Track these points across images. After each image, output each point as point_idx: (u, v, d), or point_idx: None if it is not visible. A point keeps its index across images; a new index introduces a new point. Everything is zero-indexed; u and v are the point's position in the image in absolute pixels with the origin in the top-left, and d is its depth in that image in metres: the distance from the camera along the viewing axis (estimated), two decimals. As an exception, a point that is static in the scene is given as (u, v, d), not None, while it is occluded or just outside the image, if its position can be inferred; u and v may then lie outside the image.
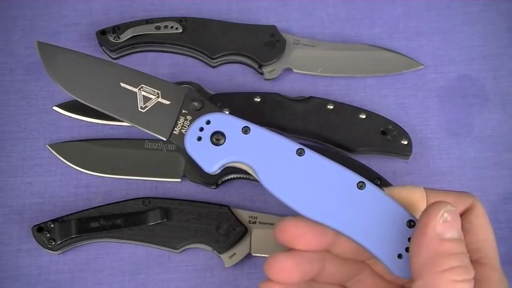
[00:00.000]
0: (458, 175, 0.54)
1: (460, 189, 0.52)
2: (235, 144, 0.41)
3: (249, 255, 0.50)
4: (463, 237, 0.37)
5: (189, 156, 0.42)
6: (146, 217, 0.50)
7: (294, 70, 0.57)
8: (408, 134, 0.53)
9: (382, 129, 0.53)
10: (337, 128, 0.53)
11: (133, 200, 0.51)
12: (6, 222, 0.52)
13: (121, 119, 0.44)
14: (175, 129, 0.43)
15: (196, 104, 0.43)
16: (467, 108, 0.56)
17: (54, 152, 0.54)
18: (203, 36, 0.57)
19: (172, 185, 0.53)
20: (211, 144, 0.42)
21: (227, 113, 0.43)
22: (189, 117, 0.43)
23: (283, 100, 0.54)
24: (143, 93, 0.44)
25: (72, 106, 0.55)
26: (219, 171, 0.42)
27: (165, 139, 0.43)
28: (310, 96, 0.55)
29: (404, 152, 0.53)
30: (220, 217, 0.50)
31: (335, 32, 0.59)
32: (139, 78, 0.45)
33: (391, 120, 0.54)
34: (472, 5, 0.60)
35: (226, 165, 0.42)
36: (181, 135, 0.43)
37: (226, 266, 0.49)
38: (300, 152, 0.41)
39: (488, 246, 0.39)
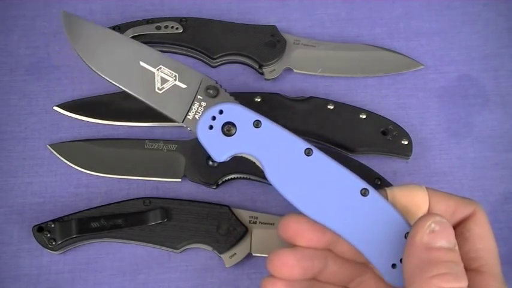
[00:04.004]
0: (458, 175, 0.54)
1: (460, 190, 0.53)
2: (245, 136, 0.42)
3: (249, 255, 0.50)
4: (456, 246, 0.37)
5: (198, 143, 0.43)
6: (147, 217, 0.50)
7: (294, 70, 0.57)
8: (408, 134, 0.53)
9: (382, 129, 0.53)
10: (337, 128, 0.53)
11: (134, 200, 0.51)
12: (6, 222, 0.52)
13: (137, 96, 0.45)
14: (189, 114, 0.44)
15: (211, 91, 0.44)
16: (468, 108, 0.56)
17: (54, 152, 0.54)
18: (203, 36, 0.57)
19: (172, 185, 0.53)
20: (222, 134, 0.42)
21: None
22: (203, 104, 0.44)
23: (284, 100, 0.54)
24: (161, 74, 0.44)
25: (73, 106, 0.55)
26: (228, 160, 0.43)
27: (179, 122, 0.44)
28: (311, 96, 0.55)
29: (405, 152, 0.53)
30: (220, 217, 0.50)
31: (335, 32, 0.59)
32: (159, 58, 0.45)
33: (391, 120, 0.54)
34: (472, 5, 0.60)
35: (236, 156, 0.43)
36: (194, 121, 0.43)
37: (226, 266, 0.49)
38: (308, 152, 0.41)
39: (488, 255, 0.38)
